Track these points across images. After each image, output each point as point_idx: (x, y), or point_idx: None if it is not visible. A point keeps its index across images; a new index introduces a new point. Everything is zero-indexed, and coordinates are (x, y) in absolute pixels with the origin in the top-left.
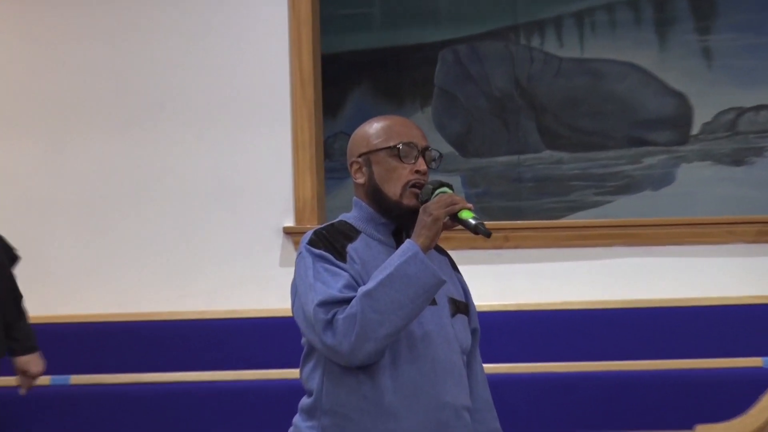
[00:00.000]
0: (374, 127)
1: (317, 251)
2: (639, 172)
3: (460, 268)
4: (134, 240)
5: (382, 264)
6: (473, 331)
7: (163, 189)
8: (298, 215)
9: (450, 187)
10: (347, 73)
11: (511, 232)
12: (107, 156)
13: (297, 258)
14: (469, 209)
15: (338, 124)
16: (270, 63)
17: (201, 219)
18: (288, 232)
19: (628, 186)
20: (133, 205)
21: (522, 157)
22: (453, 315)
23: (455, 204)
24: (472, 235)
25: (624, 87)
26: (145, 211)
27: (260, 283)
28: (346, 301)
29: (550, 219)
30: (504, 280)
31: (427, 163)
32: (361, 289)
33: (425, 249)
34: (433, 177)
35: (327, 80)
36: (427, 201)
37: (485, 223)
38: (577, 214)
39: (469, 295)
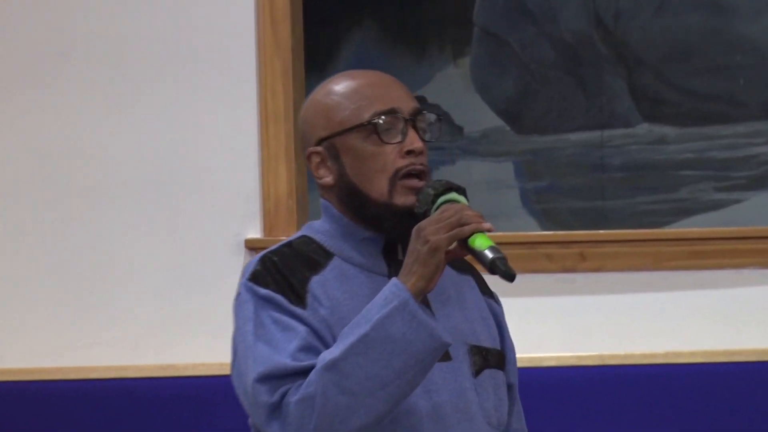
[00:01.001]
0: (333, 94)
1: (263, 291)
2: None
3: (508, 300)
4: (19, 260)
5: (360, 313)
6: (509, 389)
7: (63, 180)
8: (268, 222)
9: (462, 191)
10: (341, 6)
11: (588, 248)
12: None
13: (234, 302)
14: (486, 232)
15: None
16: None
17: (121, 228)
18: (252, 247)
19: (767, 177)
20: (17, 205)
21: (607, 133)
22: (478, 373)
23: (464, 224)
24: (526, 251)
25: (760, 28)
26: (37, 214)
27: (209, 325)
28: (302, 373)
29: (647, 227)
30: (578, 318)
31: (422, 136)
32: (324, 357)
33: (419, 294)
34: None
35: (311, 18)
36: (426, 213)
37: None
38: (689, 220)
39: (506, 332)
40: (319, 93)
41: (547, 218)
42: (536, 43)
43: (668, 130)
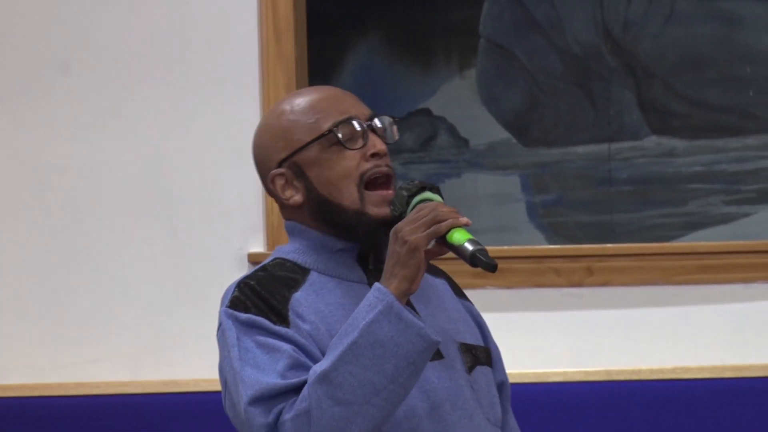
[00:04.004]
0: (286, 114)
1: (244, 317)
2: None
3: (515, 315)
4: (18, 274)
5: (347, 321)
6: (500, 388)
7: (62, 192)
8: (271, 236)
9: (436, 190)
10: (346, 17)
11: (596, 261)
12: None
13: (217, 332)
14: (464, 227)
15: None
16: (229, 3)
17: (122, 242)
18: (255, 261)
19: None
20: (14, 217)
21: (615, 146)
22: (471, 369)
23: (441, 220)
24: (533, 265)
25: None
26: (37, 227)
27: (211, 340)
28: (294, 390)
29: (656, 241)
30: (585, 333)
31: (383, 138)
32: (315, 370)
33: (402, 296)
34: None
35: (315, 29)
36: (402, 215)
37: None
38: (698, 234)
39: (487, 331)
40: (270, 117)
41: (555, 232)
42: (543, 54)
43: (677, 143)
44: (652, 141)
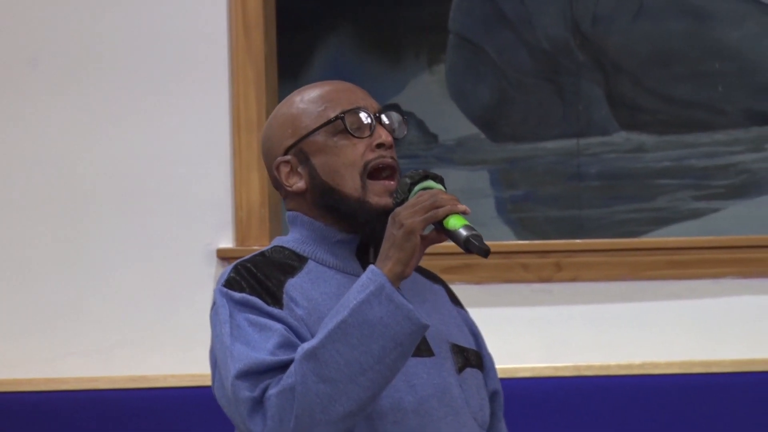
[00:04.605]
0: (297, 104)
1: (238, 296)
2: (763, 165)
3: (484, 311)
4: None
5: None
6: (493, 396)
7: (32, 189)
8: (240, 232)
9: (439, 179)
10: (315, 12)
11: (565, 257)
12: None
13: (211, 311)
14: (462, 214)
15: None
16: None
17: (91, 237)
18: (224, 256)
19: (746, 186)
20: None
21: (584, 141)
22: (461, 370)
23: (439, 206)
24: (502, 260)
25: (741, 35)
26: (5, 224)
27: (180, 336)
28: (282, 367)
29: (624, 236)
30: (554, 330)
31: (390, 132)
32: (303, 348)
33: (396, 279)
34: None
35: (285, 24)
36: (403, 202)
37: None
38: (667, 229)
39: (482, 340)
40: (282, 107)
41: (524, 227)
42: (513, 49)
43: (646, 138)
44: (621, 136)
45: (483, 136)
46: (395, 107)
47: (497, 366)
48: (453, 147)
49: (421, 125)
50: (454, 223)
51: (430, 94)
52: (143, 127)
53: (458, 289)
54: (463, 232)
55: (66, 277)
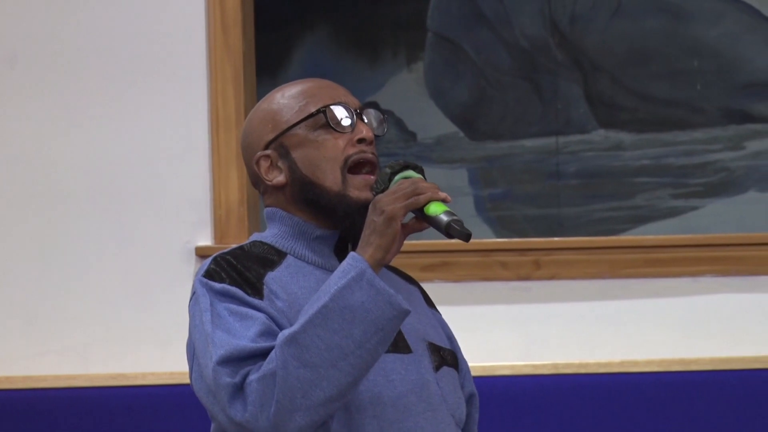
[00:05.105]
0: (278, 100)
1: (218, 286)
2: (741, 163)
3: (463, 309)
4: None
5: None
6: (470, 399)
7: (7, 186)
8: (219, 230)
9: (419, 170)
10: (293, 10)
11: (544, 255)
12: None
13: (190, 302)
14: (442, 201)
15: None
16: None
17: (69, 235)
18: (203, 254)
19: (724, 184)
20: None
21: (562, 139)
22: (437, 368)
23: (419, 193)
24: (480, 258)
25: (718, 33)
26: None
27: (159, 334)
28: (263, 354)
29: (603, 235)
30: (533, 328)
31: (372, 128)
32: (283, 334)
33: (377, 265)
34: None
35: (263, 22)
36: (385, 190)
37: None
38: (645, 227)
39: (456, 343)
40: (263, 103)
41: (502, 225)
42: (491, 48)
43: (624, 137)
44: (599, 134)
45: (462, 134)
46: (375, 105)
47: (476, 363)
48: (432, 145)
49: (399, 123)
50: (435, 209)
51: (408, 93)
52: (121, 124)
53: (437, 287)
54: (444, 218)
55: (44, 275)
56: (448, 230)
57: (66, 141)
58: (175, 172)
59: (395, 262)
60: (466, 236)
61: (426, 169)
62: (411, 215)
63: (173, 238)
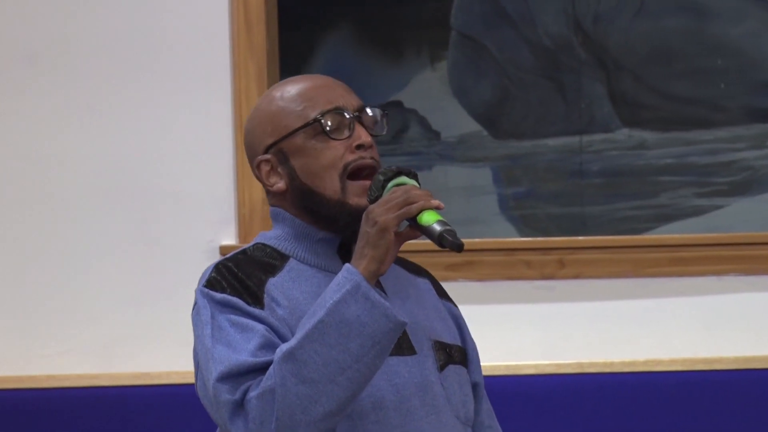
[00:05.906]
0: (276, 101)
1: (219, 296)
2: (765, 162)
3: (487, 308)
4: None
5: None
6: (473, 388)
7: (34, 185)
8: (243, 228)
9: (413, 175)
10: (317, 9)
11: (567, 254)
12: None
13: (192, 311)
14: (435, 209)
15: None
16: None
17: (94, 234)
18: (227, 253)
19: (748, 183)
20: None
21: (586, 138)
22: (443, 367)
23: (412, 202)
24: (504, 257)
25: (741, 32)
26: (6, 221)
27: (182, 333)
28: (263, 369)
29: (627, 233)
30: (557, 327)
31: (370, 131)
32: (281, 349)
33: (372, 277)
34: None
35: (286, 21)
36: (377, 199)
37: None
38: (669, 226)
39: (467, 332)
40: (262, 103)
41: (526, 224)
42: (514, 46)
43: (648, 135)
44: (623, 133)
45: (485, 133)
46: (396, 105)
47: (500, 362)
48: (455, 144)
49: (423, 122)
50: (428, 218)
51: (432, 91)
52: (145, 124)
53: (460, 286)
54: (437, 228)
55: (68, 274)
56: (440, 240)
57: (90, 140)
58: (199, 171)
59: (417, 259)
60: (459, 247)
61: (449, 168)
62: (405, 223)
63: (197, 237)
